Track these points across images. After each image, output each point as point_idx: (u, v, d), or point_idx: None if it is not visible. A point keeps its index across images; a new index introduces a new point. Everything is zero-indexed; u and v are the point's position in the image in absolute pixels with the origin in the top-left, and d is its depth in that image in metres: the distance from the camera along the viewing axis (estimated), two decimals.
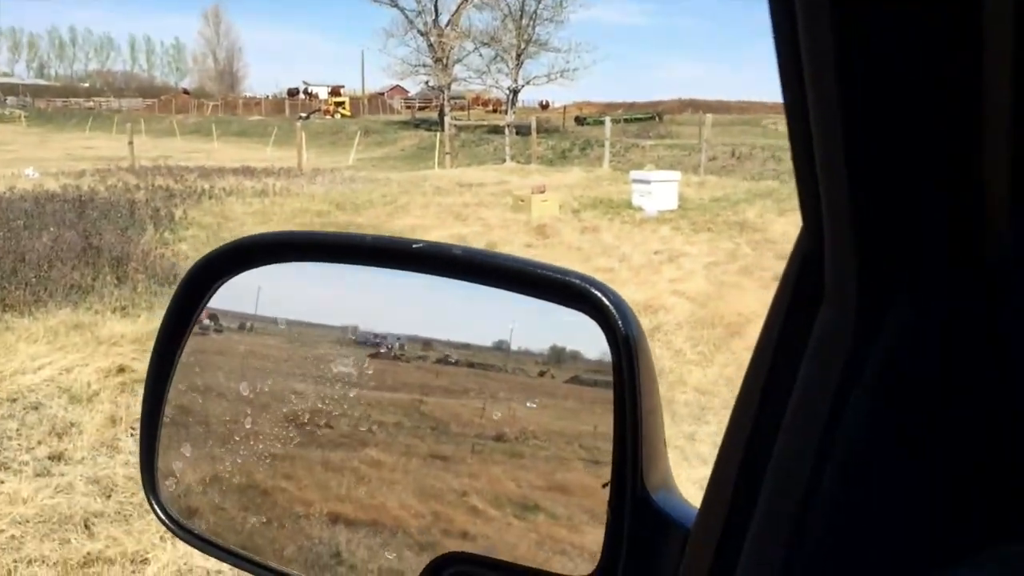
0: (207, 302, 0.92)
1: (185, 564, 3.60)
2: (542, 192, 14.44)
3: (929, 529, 0.43)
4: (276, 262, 0.91)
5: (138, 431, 3.41)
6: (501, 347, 0.91)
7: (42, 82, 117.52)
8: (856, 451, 0.44)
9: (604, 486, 0.72)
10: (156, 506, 0.96)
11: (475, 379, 0.95)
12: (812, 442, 0.45)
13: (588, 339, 0.82)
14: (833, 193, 0.43)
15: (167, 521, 0.96)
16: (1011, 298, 0.41)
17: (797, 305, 0.49)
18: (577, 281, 0.72)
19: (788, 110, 0.44)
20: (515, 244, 11.12)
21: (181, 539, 0.97)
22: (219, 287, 0.91)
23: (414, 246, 0.79)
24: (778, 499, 0.48)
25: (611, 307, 0.70)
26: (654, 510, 0.69)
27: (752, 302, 8.26)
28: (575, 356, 0.91)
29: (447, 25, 45.58)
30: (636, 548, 0.70)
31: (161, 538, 3.77)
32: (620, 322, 0.69)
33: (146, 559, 3.68)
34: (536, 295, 0.77)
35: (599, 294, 0.71)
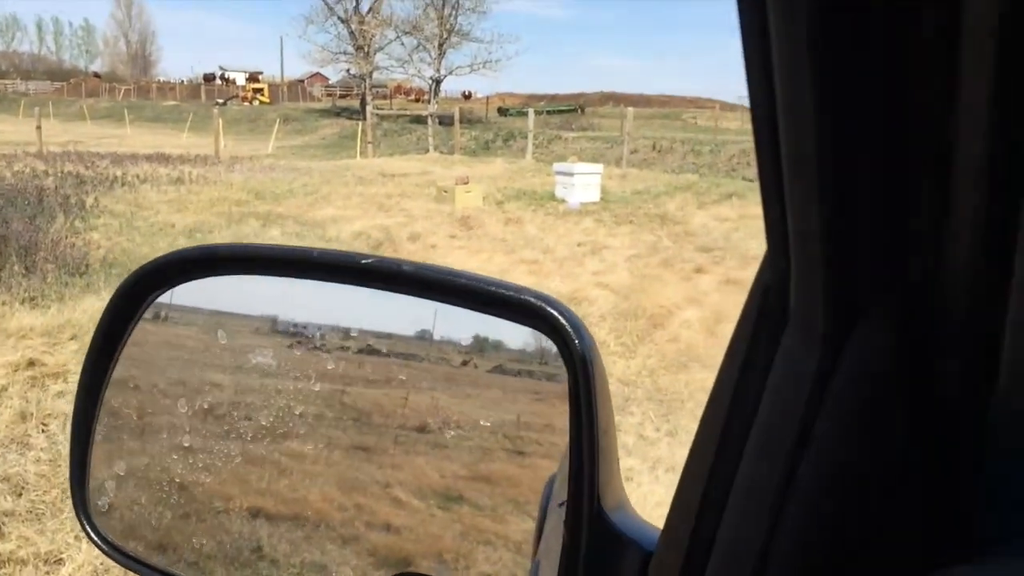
0: (141, 315, 0.89)
1: (101, 564, 3.50)
2: (466, 183, 14.42)
3: (897, 553, 0.43)
4: (218, 275, 0.88)
5: (50, 428, 3.29)
6: (424, 336, 0.90)
7: None
8: (821, 476, 0.44)
9: (560, 505, 0.71)
10: (87, 525, 0.93)
11: (397, 369, 0.94)
12: (777, 466, 0.45)
13: (512, 331, 0.82)
14: (802, 216, 0.43)
15: (98, 540, 0.93)
16: (977, 321, 0.41)
17: (761, 330, 0.48)
18: (532, 299, 0.71)
19: (757, 133, 0.44)
20: (439, 235, 11.09)
21: (113, 558, 0.95)
22: (155, 299, 0.89)
23: (362, 261, 0.77)
24: (743, 524, 0.48)
25: (567, 326, 0.69)
26: (611, 529, 0.68)
27: (673, 294, 8.40)
28: (498, 346, 0.90)
29: (368, 13, 45.07)
30: (594, 567, 0.69)
31: (76, 537, 3.65)
32: (576, 341, 0.68)
33: (60, 559, 3.56)
34: (490, 312, 0.76)
35: (555, 312, 0.70)
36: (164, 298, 0.92)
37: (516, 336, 0.84)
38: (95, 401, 0.89)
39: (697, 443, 0.53)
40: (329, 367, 0.94)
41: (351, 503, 0.96)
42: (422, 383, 0.94)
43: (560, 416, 1.00)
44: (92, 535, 0.93)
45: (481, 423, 0.94)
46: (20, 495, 4.11)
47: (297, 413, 0.95)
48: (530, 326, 0.72)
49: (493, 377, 0.92)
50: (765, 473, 0.46)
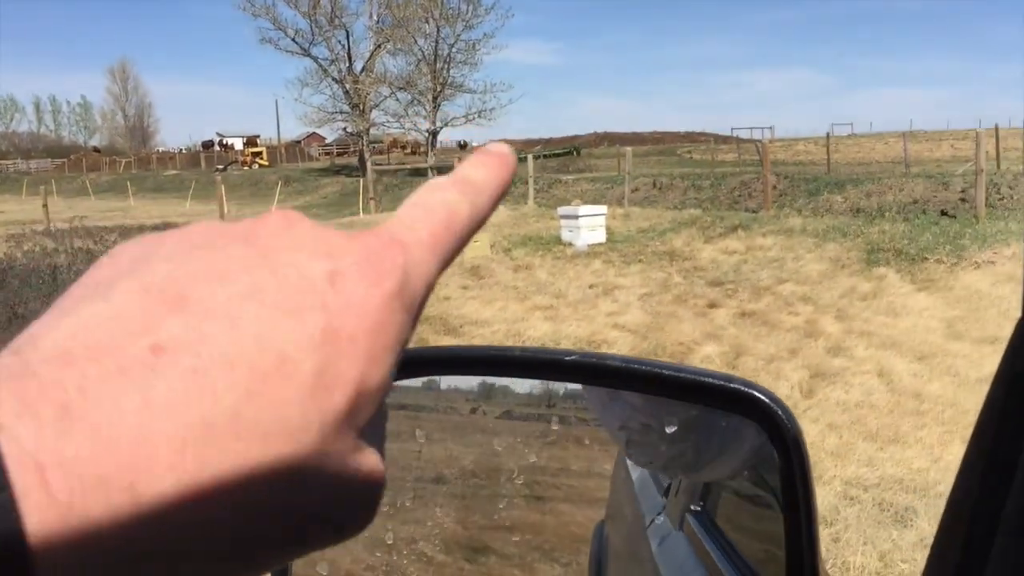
0: None
1: None
2: None
3: None
4: (428, 375, 0.88)
5: None
6: (431, 387, 0.89)
7: None
8: None
9: None
10: None
11: (407, 421, 0.93)
12: None
13: None
14: None
15: None
16: None
17: (1009, 417, 0.48)
18: (740, 387, 0.71)
19: None
20: (451, 287, 11.13)
21: None
22: None
23: (567, 358, 0.77)
24: None
25: (778, 410, 0.69)
26: None
27: (690, 330, 8.42)
28: (505, 391, 0.91)
29: (362, 72, 45.65)
30: None
31: None
32: (788, 424, 0.69)
33: None
34: (697, 401, 0.77)
35: (766, 399, 0.70)
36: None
37: (522, 380, 0.85)
38: None
39: (946, 522, 0.54)
40: None
41: (380, 563, 0.96)
42: (434, 434, 0.94)
43: (574, 459, 1.00)
44: None
45: (497, 470, 0.94)
46: None
47: None
48: (739, 413, 0.73)
49: (503, 423, 0.92)
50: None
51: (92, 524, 0.22)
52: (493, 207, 0.34)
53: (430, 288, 0.31)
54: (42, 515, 0.22)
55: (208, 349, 0.25)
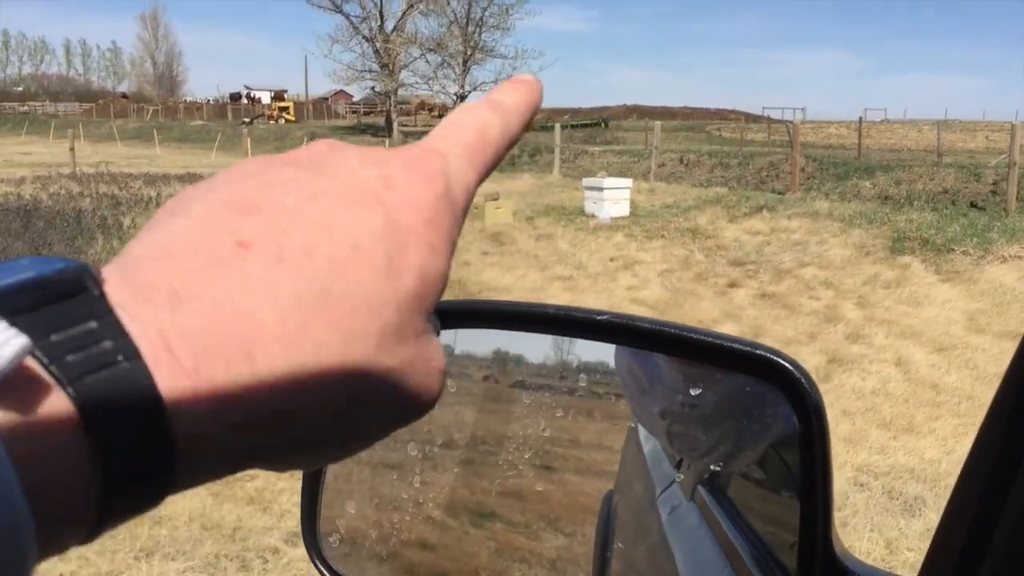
0: None
1: None
2: (495, 199, 14.46)
3: None
4: (456, 328, 0.88)
5: None
6: (446, 352, 0.89)
7: None
8: None
9: (791, 545, 0.72)
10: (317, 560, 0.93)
11: None
12: None
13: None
14: None
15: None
16: None
17: None
18: (765, 353, 0.72)
19: None
20: (472, 252, 11.14)
21: None
22: None
23: (598, 318, 0.78)
24: None
25: (801, 379, 0.70)
26: (847, 572, 0.69)
27: (709, 309, 8.39)
28: (518, 360, 0.91)
29: (393, 31, 45.35)
30: None
31: (135, 558, 3.71)
32: (811, 392, 0.70)
33: None
34: (721, 365, 0.78)
35: (789, 366, 0.71)
36: None
37: (536, 351, 0.86)
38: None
39: (957, 496, 0.53)
40: None
41: (386, 521, 0.97)
42: (445, 398, 0.95)
43: (584, 431, 1.00)
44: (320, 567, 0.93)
45: (507, 438, 0.94)
46: None
47: None
48: (763, 378, 0.73)
49: (515, 392, 0.92)
50: None
51: (217, 388, 0.25)
52: (523, 128, 0.36)
53: (470, 197, 0.34)
54: (173, 381, 0.24)
55: (287, 241, 0.28)
